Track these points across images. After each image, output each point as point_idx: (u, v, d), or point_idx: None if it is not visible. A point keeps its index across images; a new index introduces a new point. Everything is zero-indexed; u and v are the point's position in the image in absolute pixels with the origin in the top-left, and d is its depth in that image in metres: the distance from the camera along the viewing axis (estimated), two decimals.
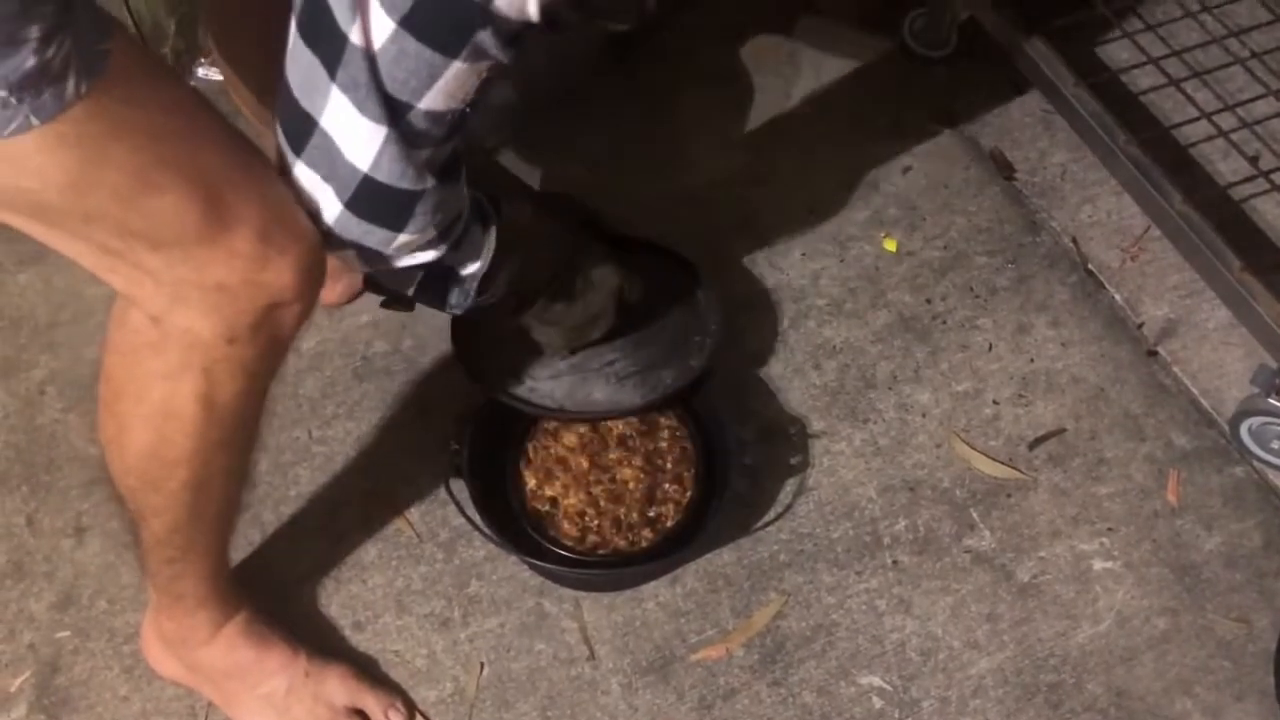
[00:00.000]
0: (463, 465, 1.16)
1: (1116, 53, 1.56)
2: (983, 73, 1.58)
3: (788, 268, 1.41)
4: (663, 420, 1.23)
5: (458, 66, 0.76)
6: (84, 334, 1.36)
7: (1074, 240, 1.45)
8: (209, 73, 1.55)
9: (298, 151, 0.81)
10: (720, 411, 1.22)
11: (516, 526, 1.17)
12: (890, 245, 1.44)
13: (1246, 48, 1.47)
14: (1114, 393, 1.32)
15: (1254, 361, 1.27)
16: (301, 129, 0.80)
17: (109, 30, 0.67)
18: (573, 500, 1.18)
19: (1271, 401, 1.21)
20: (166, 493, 0.89)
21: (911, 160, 1.52)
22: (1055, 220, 1.47)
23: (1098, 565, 1.21)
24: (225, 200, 0.75)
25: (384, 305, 1.04)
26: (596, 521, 1.17)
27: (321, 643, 1.13)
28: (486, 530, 1.14)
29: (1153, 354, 1.35)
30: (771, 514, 1.23)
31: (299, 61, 0.78)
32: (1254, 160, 1.37)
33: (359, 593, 1.19)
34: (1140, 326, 1.38)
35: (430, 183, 0.84)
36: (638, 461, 1.20)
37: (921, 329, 1.37)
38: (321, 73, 0.77)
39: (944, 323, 1.38)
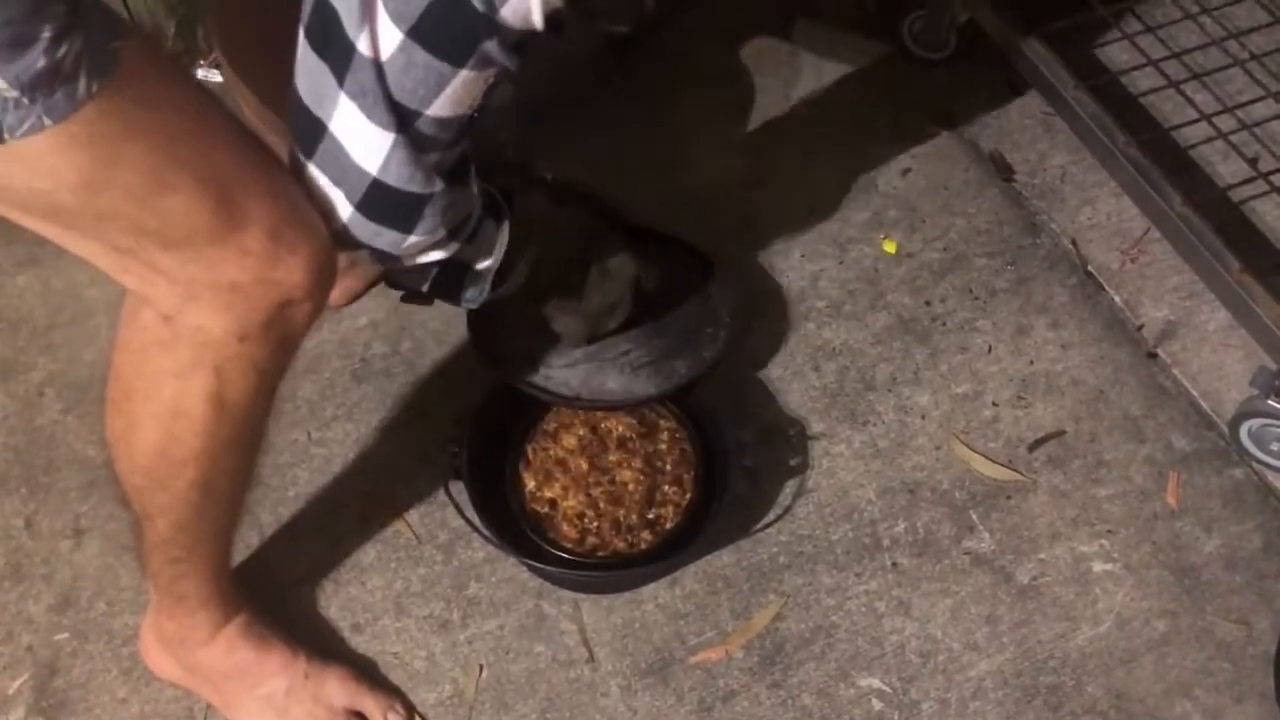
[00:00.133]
0: (462, 467, 1.16)
1: (1116, 55, 1.56)
2: (982, 75, 1.58)
3: (787, 269, 1.41)
4: (662, 422, 1.23)
5: (465, 75, 0.77)
6: (82, 336, 1.36)
7: (1073, 242, 1.45)
8: (209, 74, 1.55)
9: (308, 155, 0.82)
10: (720, 413, 1.22)
11: (515, 528, 1.17)
12: (890, 247, 1.44)
13: (1246, 50, 1.47)
14: (1114, 394, 1.32)
15: (1253, 363, 1.27)
16: (312, 133, 0.81)
17: (119, 29, 0.68)
18: (572, 502, 1.18)
19: (1271, 403, 1.21)
20: (174, 491, 0.89)
21: (911, 162, 1.52)
22: (1055, 222, 1.47)
23: (1097, 567, 1.21)
24: (237, 199, 0.76)
25: (404, 300, 1.05)
26: (596, 523, 1.17)
27: (320, 644, 1.13)
28: (485, 532, 1.13)
29: (1152, 356, 1.35)
30: (771, 516, 1.23)
31: (308, 68, 0.79)
32: (1253, 162, 1.37)
33: (358, 594, 1.19)
34: (1140, 328, 1.38)
35: (439, 185, 0.85)
36: (637, 463, 1.20)
37: (921, 331, 1.37)
38: (330, 80, 0.78)
39: (943, 324, 1.38)
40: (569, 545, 1.16)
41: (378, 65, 0.76)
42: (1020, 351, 1.36)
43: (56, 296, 1.39)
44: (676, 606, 1.18)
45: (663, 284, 1.19)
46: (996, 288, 1.41)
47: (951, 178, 1.51)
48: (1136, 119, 1.49)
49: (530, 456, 1.21)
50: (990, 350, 1.36)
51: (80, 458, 1.27)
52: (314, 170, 0.83)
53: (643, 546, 1.16)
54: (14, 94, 0.63)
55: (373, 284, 1.39)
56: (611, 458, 1.20)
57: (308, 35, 0.79)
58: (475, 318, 1.21)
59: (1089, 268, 1.43)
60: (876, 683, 1.14)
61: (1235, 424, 1.26)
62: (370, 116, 0.78)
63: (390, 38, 0.75)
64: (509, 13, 0.74)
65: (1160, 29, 1.49)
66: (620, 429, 1.22)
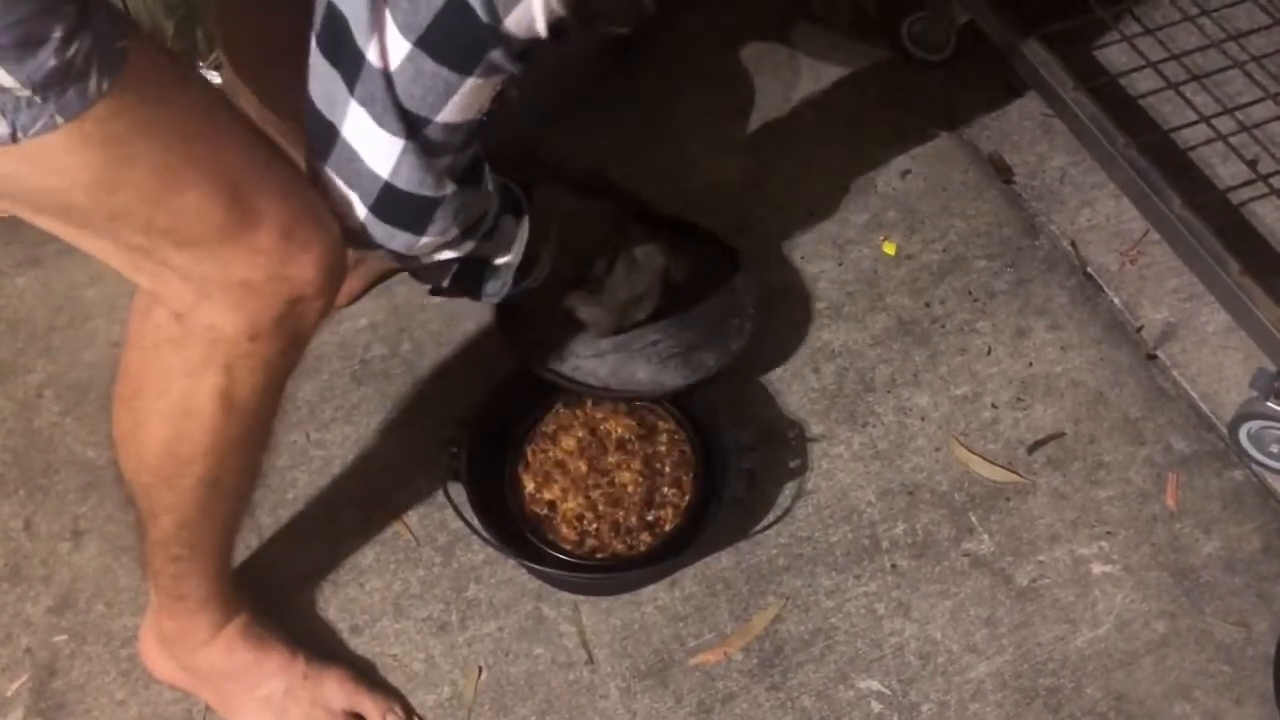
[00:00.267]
0: (461, 469, 1.16)
1: (1115, 56, 1.56)
2: (981, 76, 1.58)
3: (786, 271, 1.41)
4: (661, 424, 1.23)
5: (472, 83, 0.79)
6: (81, 338, 1.36)
7: (1073, 244, 1.45)
8: (208, 75, 1.55)
9: (323, 158, 0.84)
10: (719, 415, 1.21)
11: (515, 530, 1.17)
12: (889, 248, 1.44)
13: (1245, 51, 1.47)
14: (1113, 396, 1.32)
15: (1253, 365, 1.27)
16: (325, 137, 0.83)
17: (126, 28, 0.68)
18: (571, 504, 1.18)
19: (1270, 405, 1.21)
20: (180, 489, 0.90)
21: (910, 163, 1.52)
22: (1054, 224, 1.47)
23: (1097, 569, 1.21)
24: (248, 197, 0.76)
25: (433, 293, 1.06)
26: (595, 525, 1.17)
27: (319, 646, 1.13)
28: (485, 534, 1.13)
29: (1152, 357, 1.35)
30: (770, 517, 1.23)
31: (320, 74, 0.81)
32: (1253, 164, 1.37)
33: (357, 596, 1.19)
34: (1139, 330, 1.38)
35: (450, 188, 0.87)
36: (636, 465, 1.19)
37: (920, 332, 1.37)
38: (341, 86, 0.80)
39: (943, 326, 1.38)
40: (568, 547, 1.16)
41: (387, 74, 0.78)
42: (1020, 353, 1.36)
43: (56, 298, 1.39)
44: (676, 608, 1.18)
45: (688, 275, 1.21)
46: (996, 289, 1.41)
47: (951, 179, 1.51)
48: (1136, 121, 1.49)
49: (529, 458, 1.21)
50: (990, 352, 1.36)
51: (79, 459, 1.27)
52: (329, 172, 0.85)
53: (642, 548, 1.16)
54: (26, 93, 0.63)
55: (373, 285, 1.39)
56: (611, 459, 1.20)
57: (319, 42, 0.80)
58: (502, 309, 1.21)
59: (1088, 269, 1.43)
60: (876, 685, 1.14)
61: (1235, 426, 1.26)
62: (380, 123, 0.80)
63: (399, 48, 0.76)
64: (513, 23, 0.75)
65: (1159, 31, 1.49)
66: (619, 431, 1.22)
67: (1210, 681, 1.14)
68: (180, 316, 0.81)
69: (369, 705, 1.10)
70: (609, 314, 1.16)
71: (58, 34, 0.63)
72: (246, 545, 1.20)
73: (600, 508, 1.18)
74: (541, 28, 0.76)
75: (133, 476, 0.92)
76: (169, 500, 0.91)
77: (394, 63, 0.78)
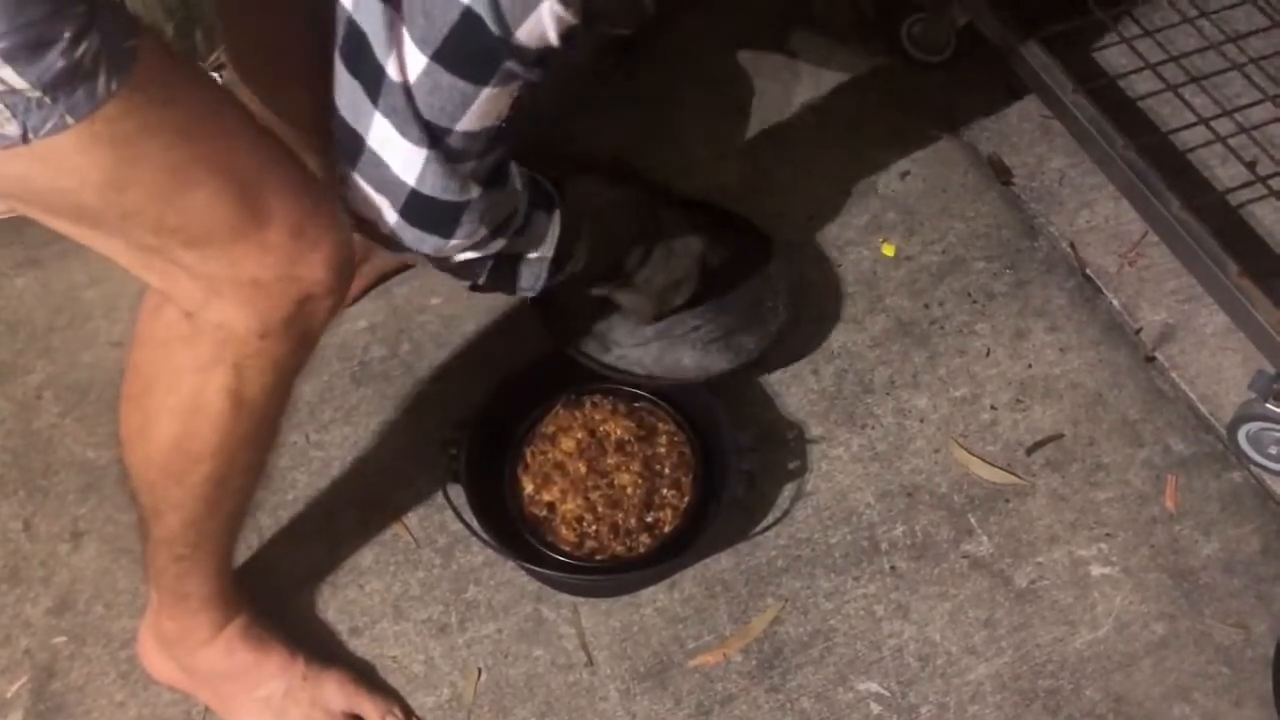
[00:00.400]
0: (460, 470, 1.16)
1: (1114, 58, 1.56)
2: (981, 78, 1.58)
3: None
4: (661, 425, 1.23)
5: (489, 92, 0.81)
6: (81, 339, 1.36)
7: (1072, 245, 1.45)
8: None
9: (351, 164, 0.88)
10: (718, 416, 1.21)
11: (514, 532, 1.17)
12: (888, 250, 1.44)
13: (1244, 53, 1.47)
14: (1112, 398, 1.32)
15: (1252, 367, 1.27)
16: (353, 145, 0.86)
17: (134, 28, 0.68)
18: (570, 505, 1.18)
19: (1269, 407, 1.21)
20: (187, 486, 0.90)
21: (909, 165, 1.52)
22: (1053, 225, 1.47)
23: (1096, 571, 1.21)
24: (257, 196, 0.77)
25: (471, 289, 1.07)
26: (594, 527, 1.17)
27: (318, 648, 1.13)
28: (484, 536, 1.13)
29: (1151, 359, 1.35)
30: (769, 519, 1.23)
31: (343, 86, 0.84)
32: (1252, 166, 1.37)
33: (356, 598, 1.19)
34: (1138, 332, 1.38)
35: (475, 192, 0.90)
36: (636, 466, 1.19)
37: (919, 334, 1.37)
38: (364, 98, 0.83)
39: (942, 328, 1.38)
40: (567, 549, 1.16)
41: (406, 87, 0.80)
42: (1019, 355, 1.36)
43: (55, 299, 1.39)
44: (675, 610, 1.18)
45: (724, 259, 1.23)
46: (995, 291, 1.41)
47: (950, 181, 1.51)
48: (1135, 122, 1.49)
49: (529, 460, 1.21)
50: (989, 353, 1.36)
51: (79, 460, 1.27)
52: (359, 178, 0.88)
53: (641, 550, 1.16)
54: (36, 94, 0.64)
55: (373, 286, 1.39)
56: (610, 461, 1.20)
57: (342, 55, 0.83)
58: (542, 302, 1.22)
59: (1087, 271, 1.43)
60: (875, 686, 1.14)
61: (1233, 427, 1.26)
62: (403, 134, 0.83)
63: (416, 62, 0.79)
64: (524, 35, 0.78)
65: (1158, 33, 1.49)
66: (619, 432, 1.22)
67: (1209, 683, 1.14)
68: (190, 315, 0.81)
69: (368, 707, 1.10)
70: (648, 300, 1.18)
71: (67, 35, 0.63)
72: (246, 546, 1.20)
73: (599, 509, 1.18)
74: (553, 37, 0.79)
75: (139, 474, 0.92)
76: (176, 497, 0.91)
77: (412, 76, 0.80)
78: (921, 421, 1.31)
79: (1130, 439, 1.29)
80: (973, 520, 1.24)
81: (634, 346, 1.21)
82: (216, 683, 1.08)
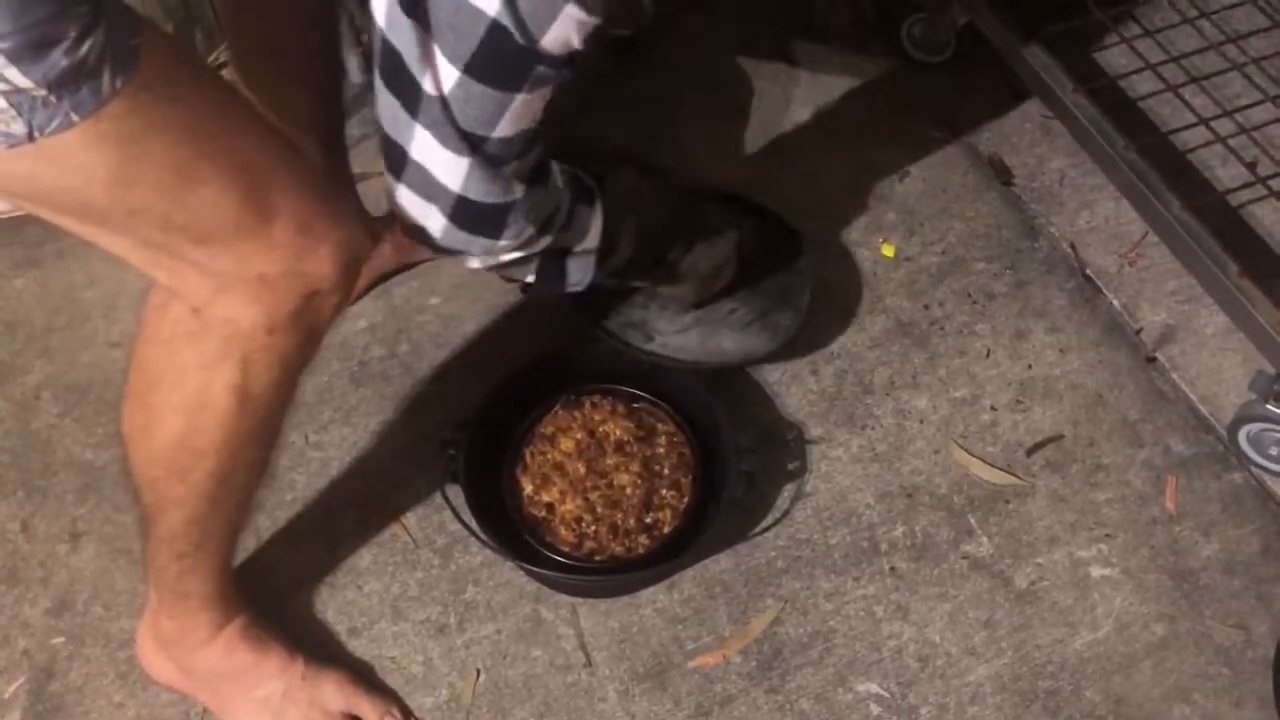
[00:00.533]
0: (459, 470, 1.16)
1: (1115, 58, 1.56)
2: (981, 78, 1.58)
3: None
4: (660, 426, 1.23)
5: (522, 97, 0.84)
6: (79, 339, 1.36)
7: (1072, 246, 1.45)
8: None
9: (398, 175, 0.91)
10: (718, 417, 1.21)
11: (513, 532, 1.17)
12: (888, 250, 1.44)
13: (1245, 54, 1.47)
14: (1112, 399, 1.32)
15: (1252, 367, 1.27)
16: (398, 157, 0.89)
17: (138, 26, 0.68)
18: (569, 506, 1.18)
19: (1270, 408, 1.21)
20: (190, 483, 0.90)
21: (910, 165, 1.52)
22: (1053, 226, 1.47)
23: (1096, 572, 1.21)
24: (264, 192, 0.77)
25: (524, 290, 1.11)
26: (593, 527, 1.17)
27: (317, 649, 1.13)
28: (483, 536, 1.13)
29: (1151, 360, 1.35)
30: (769, 520, 1.23)
31: (384, 101, 0.87)
32: (1252, 166, 1.37)
33: (355, 598, 1.18)
34: (1138, 332, 1.37)
35: (519, 191, 0.93)
36: (635, 467, 1.19)
37: (919, 334, 1.37)
38: (404, 113, 0.86)
39: (942, 328, 1.38)
40: (566, 549, 1.16)
41: (443, 100, 0.83)
42: (1019, 355, 1.36)
43: (54, 299, 1.39)
44: (674, 611, 1.18)
45: (754, 244, 1.26)
46: (995, 291, 1.41)
47: (950, 181, 1.51)
48: (1135, 123, 1.49)
49: (528, 460, 1.21)
50: (989, 354, 1.36)
51: (77, 461, 1.27)
52: (405, 189, 0.91)
53: (640, 550, 1.16)
54: (42, 93, 0.64)
55: (372, 286, 1.39)
56: (609, 461, 1.20)
57: (380, 72, 0.86)
58: (582, 295, 1.22)
59: (1087, 271, 1.43)
60: (874, 688, 1.14)
61: (1234, 428, 1.26)
62: (445, 144, 0.86)
63: (449, 75, 0.82)
64: (549, 42, 0.80)
65: (1159, 33, 1.49)
66: (618, 433, 1.21)
67: (1209, 684, 1.14)
68: (197, 311, 0.82)
69: (367, 707, 1.10)
70: (692, 287, 1.20)
71: (71, 34, 0.63)
72: (245, 547, 1.19)
73: (599, 510, 1.18)
74: (577, 41, 0.81)
75: (142, 471, 0.92)
76: (178, 494, 0.91)
77: (447, 89, 0.83)
78: (921, 422, 1.30)
79: (1130, 440, 1.29)
80: (972, 521, 1.24)
81: (675, 334, 1.24)
82: (215, 683, 1.08)
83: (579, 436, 1.21)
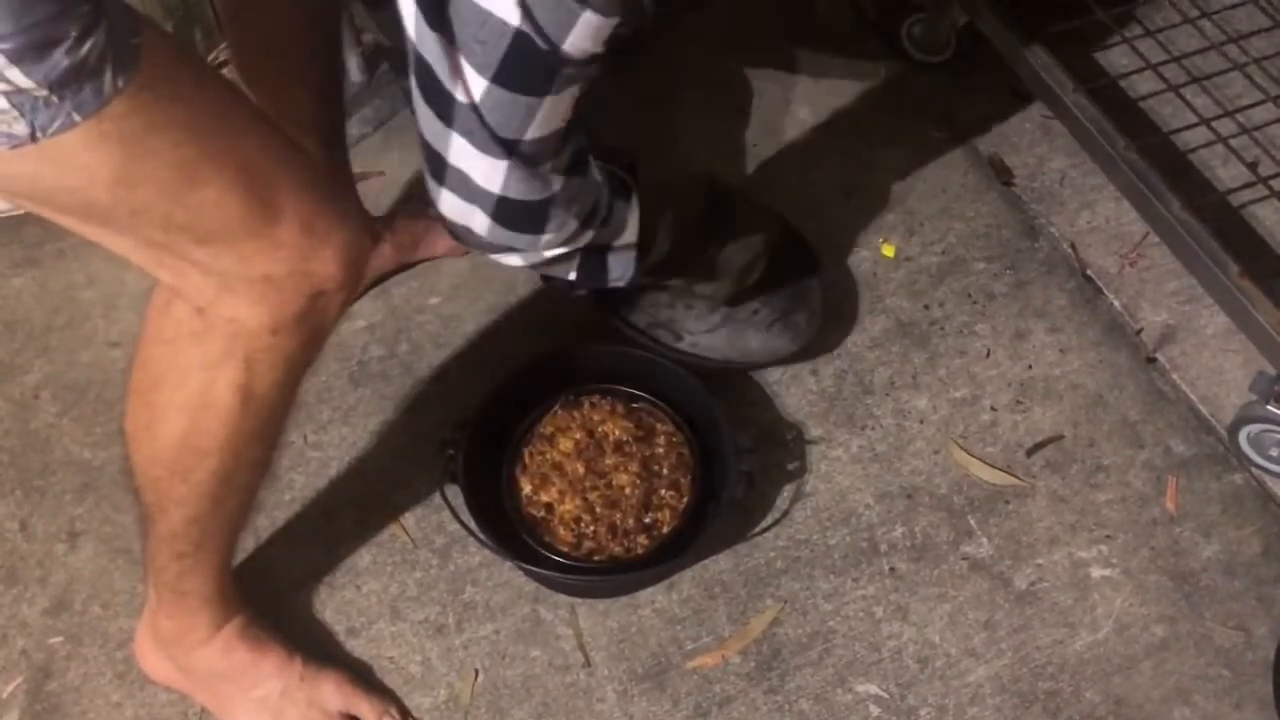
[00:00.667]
0: (458, 470, 1.16)
1: (1115, 58, 1.56)
2: (981, 78, 1.58)
3: None
4: (659, 426, 1.23)
5: (550, 99, 0.86)
6: (79, 338, 1.36)
7: (1072, 246, 1.44)
8: None
9: (440, 181, 0.94)
10: (717, 417, 1.21)
11: (512, 532, 1.17)
12: (888, 251, 1.43)
13: (1246, 54, 1.46)
14: (1112, 399, 1.32)
15: (1253, 368, 1.27)
16: (438, 164, 0.92)
17: (140, 25, 0.68)
18: (568, 506, 1.18)
19: (1270, 408, 1.21)
20: (192, 483, 0.90)
21: (910, 165, 1.51)
22: (1054, 226, 1.46)
23: (1096, 573, 1.20)
24: (267, 192, 0.77)
25: (568, 290, 1.12)
26: (592, 528, 1.17)
27: (315, 649, 1.12)
28: (481, 536, 1.13)
29: (1151, 360, 1.35)
30: (768, 520, 1.23)
31: (421, 112, 0.89)
32: (1253, 166, 1.37)
33: (353, 598, 1.18)
34: (1139, 333, 1.37)
35: (558, 185, 0.95)
36: (634, 467, 1.19)
37: (919, 335, 1.37)
38: (439, 121, 0.88)
39: (942, 329, 1.37)
40: (565, 549, 1.16)
41: (474, 107, 0.85)
42: (1019, 355, 1.35)
43: (53, 298, 1.39)
44: (673, 611, 1.18)
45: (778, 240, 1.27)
46: (995, 291, 1.40)
47: (950, 181, 1.50)
48: (1136, 123, 1.49)
49: (526, 460, 1.21)
50: (989, 354, 1.36)
51: (76, 460, 1.26)
52: (448, 194, 0.94)
53: (639, 551, 1.16)
54: (43, 93, 0.64)
55: (372, 285, 1.39)
56: (608, 461, 1.20)
57: (416, 83, 0.88)
58: (611, 297, 1.25)
59: (1088, 272, 1.42)
60: (874, 688, 1.13)
61: (1234, 429, 1.25)
62: (483, 150, 0.88)
63: (478, 85, 0.84)
64: (571, 47, 0.81)
65: (1160, 33, 1.48)
66: (617, 433, 1.21)
67: (1210, 686, 1.14)
68: (202, 310, 0.82)
69: (365, 708, 1.10)
70: (727, 282, 1.21)
71: (72, 34, 0.63)
72: (243, 547, 1.19)
73: (598, 510, 1.18)
74: (599, 44, 0.82)
75: (143, 470, 0.92)
76: (180, 494, 0.91)
77: (477, 97, 0.84)
78: (921, 422, 1.30)
79: (1131, 440, 1.29)
80: (972, 522, 1.24)
81: (705, 333, 1.25)
82: (213, 683, 1.08)
83: (578, 436, 1.21)
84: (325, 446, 1.28)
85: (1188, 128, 1.42)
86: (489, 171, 0.90)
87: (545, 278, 1.13)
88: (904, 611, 1.18)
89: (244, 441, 0.89)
